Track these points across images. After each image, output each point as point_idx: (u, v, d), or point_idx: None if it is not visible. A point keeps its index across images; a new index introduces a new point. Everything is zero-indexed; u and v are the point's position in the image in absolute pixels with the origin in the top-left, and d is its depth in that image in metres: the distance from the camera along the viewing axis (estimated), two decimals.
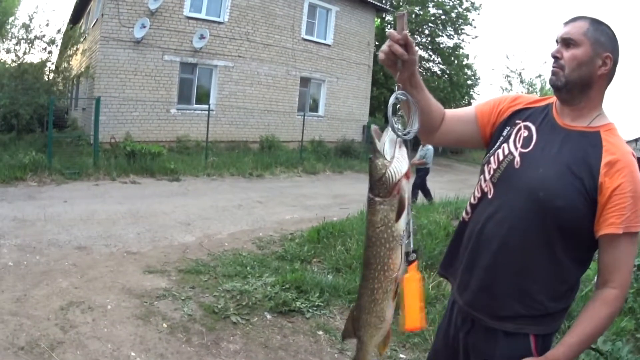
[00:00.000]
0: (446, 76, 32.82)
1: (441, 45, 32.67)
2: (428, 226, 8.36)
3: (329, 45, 24.18)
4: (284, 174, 17.25)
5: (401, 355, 4.64)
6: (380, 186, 1.67)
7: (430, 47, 32.84)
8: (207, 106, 18.33)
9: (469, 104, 34.85)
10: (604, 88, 2.00)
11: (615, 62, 1.96)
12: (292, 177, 17.07)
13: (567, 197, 1.86)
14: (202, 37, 18.82)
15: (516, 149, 2.04)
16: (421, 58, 33.46)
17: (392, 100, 1.72)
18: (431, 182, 20.86)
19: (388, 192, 1.67)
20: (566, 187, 1.87)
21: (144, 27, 17.17)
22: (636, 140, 51.55)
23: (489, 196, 2.07)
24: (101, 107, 15.13)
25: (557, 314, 2.01)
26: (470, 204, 2.17)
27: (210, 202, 11.42)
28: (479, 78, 34.43)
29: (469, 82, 34.37)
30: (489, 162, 2.11)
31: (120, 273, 6.11)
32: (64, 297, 5.19)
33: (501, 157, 2.06)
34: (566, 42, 1.96)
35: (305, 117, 21.78)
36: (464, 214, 2.22)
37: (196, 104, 19.59)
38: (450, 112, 2.23)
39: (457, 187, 17.00)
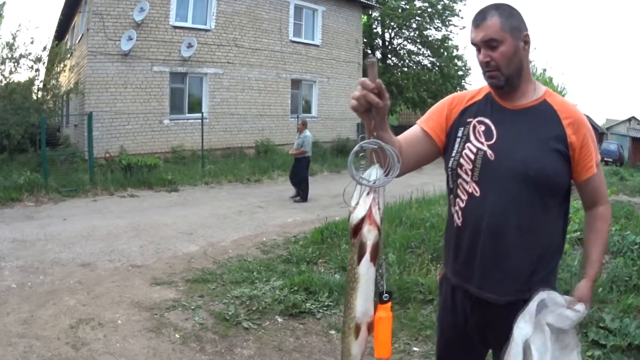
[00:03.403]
0: (437, 68, 32.73)
1: (429, 38, 32.56)
2: (431, 219, 8.38)
3: (317, 46, 24.18)
4: (282, 178, 17.14)
5: (414, 349, 4.61)
6: (350, 229, 1.76)
7: (418, 40, 32.76)
8: (200, 115, 18.32)
9: None
10: (528, 60, 2.17)
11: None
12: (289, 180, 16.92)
13: (552, 165, 2.05)
14: (190, 45, 18.77)
15: (482, 143, 2.15)
16: (410, 52, 33.42)
17: (355, 148, 1.78)
18: (429, 175, 20.76)
19: (352, 236, 1.75)
20: (547, 157, 2.05)
21: (131, 39, 17.08)
22: (629, 119, 51.66)
23: (477, 195, 2.14)
24: (93, 122, 15.02)
25: (557, 267, 2.28)
26: (460, 209, 2.21)
27: (211, 210, 11.40)
28: (470, 68, 34.25)
29: (460, 72, 34.32)
30: (461, 165, 2.18)
31: (127, 287, 6.07)
32: (72, 315, 5.13)
33: (472, 156, 2.15)
34: (488, 44, 2.06)
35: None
36: (456, 219, 2.24)
37: (189, 113, 19.53)
38: (403, 140, 2.25)
39: None
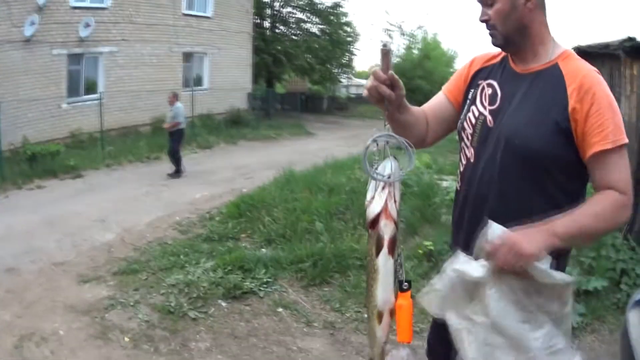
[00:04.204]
0: (326, 35, 32.96)
1: (319, 6, 32.78)
2: (349, 184, 8.54)
3: (209, 18, 23.86)
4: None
5: (365, 315, 4.70)
6: (366, 222, 1.81)
7: (307, 8, 32.78)
8: (96, 96, 17.77)
9: (350, 60, 35.49)
10: (542, 18, 1.99)
11: None
12: (188, 155, 16.07)
13: (542, 138, 1.87)
14: (87, 25, 18.00)
15: (485, 108, 2.05)
16: (300, 20, 33.43)
17: (368, 142, 1.75)
18: (323, 140, 20.95)
19: (369, 228, 1.80)
20: (540, 128, 1.88)
21: (34, 24, 16.22)
22: None
23: (472, 160, 2.09)
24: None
25: (563, 258, 2.03)
26: (460, 173, 2.19)
27: (118, 194, 11.07)
28: (359, 34, 34.87)
29: (349, 39, 34.75)
30: (464, 128, 2.13)
31: (55, 290, 5.68)
32: (12, 332, 4.66)
33: (473, 120, 2.08)
34: (485, 2, 1.97)
35: (192, 92, 21.53)
36: (456, 184, 2.24)
37: (85, 94, 18.79)
38: (428, 109, 2.23)
39: (352, 142, 17.33)
